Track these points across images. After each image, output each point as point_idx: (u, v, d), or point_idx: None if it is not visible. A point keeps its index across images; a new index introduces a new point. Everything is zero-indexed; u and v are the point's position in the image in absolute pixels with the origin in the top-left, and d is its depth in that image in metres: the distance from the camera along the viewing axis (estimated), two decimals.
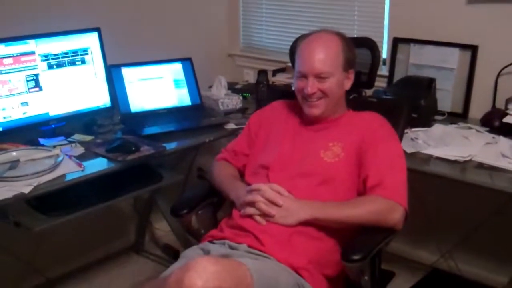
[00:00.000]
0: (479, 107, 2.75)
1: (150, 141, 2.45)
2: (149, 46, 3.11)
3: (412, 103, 2.48)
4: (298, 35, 3.28)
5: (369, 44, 2.21)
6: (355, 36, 3.06)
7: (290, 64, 3.15)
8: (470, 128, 2.60)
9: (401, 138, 2.13)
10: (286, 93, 2.87)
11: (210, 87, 3.13)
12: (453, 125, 2.63)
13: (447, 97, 2.80)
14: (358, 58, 2.14)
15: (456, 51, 2.78)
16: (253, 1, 3.57)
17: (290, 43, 3.37)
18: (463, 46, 2.75)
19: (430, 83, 2.70)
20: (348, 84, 2.06)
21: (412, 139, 2.43)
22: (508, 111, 2.50)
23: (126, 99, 2.75)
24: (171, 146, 2.49)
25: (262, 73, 2.98)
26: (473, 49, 2.73)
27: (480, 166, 2.20)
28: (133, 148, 2.33)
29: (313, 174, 1.97)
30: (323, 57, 1.99)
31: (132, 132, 2.57)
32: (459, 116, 2.78)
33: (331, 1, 3.20)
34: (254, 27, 3.63)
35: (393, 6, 2.97)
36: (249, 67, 3.64)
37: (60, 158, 2.20)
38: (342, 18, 3.17)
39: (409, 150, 2.32)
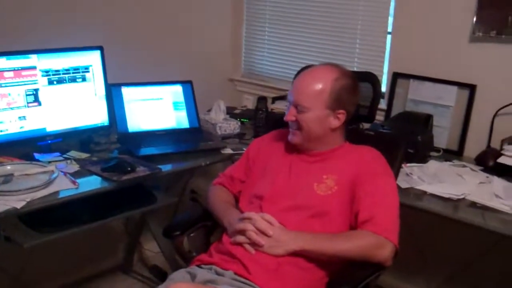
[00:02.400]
0: (474, 146, 2.77)
1: (146, 162, 2.45)
2: (150, 67, 3.14)
3: (409, 138, 2.51)
4: (299, 64, 3.38)
5: (370, 78, 2.23)
6: (355, 69, 3.09)
7: None
8: (464, 166, 2.61)
9: (396, 174, 2.14)
10: (284, 121, 2.91)
11: (209, 110, 3.14)
12: (448, 163, 2.64)
13: (443, 134, 2.82)
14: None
15: (454, 89, 2.80)
16: (257, 28, 3.61)
17: (291, 72, 3.44)
18: (461, 85, 2.78)
19: (427, 119, 2.73)
20: (334, 124, 2.03)
21: (407, 174, 2.43)
22: (503, 152, 2.51)
23: (124, 118, 2.76)
24: (166, 168, 2.49)
25: (261, 99, 3.00)
26: (472, 88, 2.76)
27: (473, 205, 2.21)
28: (129, 169, 2.33)
29: (306, 207, 1.97)
30: (304, 90, 2.00)
31: (128, 152, 2.57)
32: (454, 154, 2.80)
33: (333, 34, 3.23)
34: (256, 54, 3.66)
35: (394, 41, 3.00)
36: (249, 93, 3.66)
37: (54, 175, 2.20)
38: (343, 50, 3.20)
39: (403, 185, 2.32)
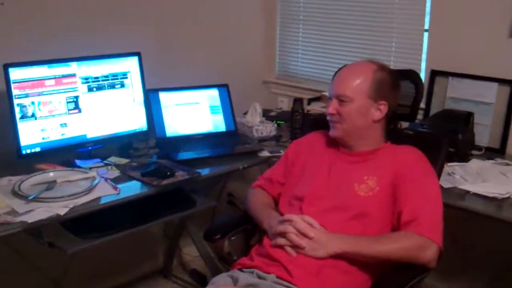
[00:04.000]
0: None
1: (185, 166, 2.47)
2: (186, 72, 3.15)
3: (450, 137, 2.46)
4: (334, 64, 3.37)
5: (412, 76, 2.19)
6: (391, 67, 3.05)
7: (325, 93, 3.19)
8: (508, 164, 2.56)
9: (439, 174, 2.10)
10: (320, 122, 2.88)
11: (245, 113, 3.15)
12: (491, 161, 2.59)
13: (484, 132, 2.77)
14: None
15: (495, 86, 2.74)
16: (290, 30, 3.60)
17: (326, 72, 3.43)
18: (502, 81, 2.72)
19: (468, 117, 2.67)
20: (376, 115, 2.02)
21: (449, 174, 2.39)
22: None
23: (162, 123, 2.78)
24: (205, 171, 2.50)
25: (297, 101, 2.98)
26: None
27: None
28: (168, 173, 2.35)
29: (346, 208, 1.95)
30: (345, 81, 2.01)
31: (167, 157, 2.59)
32: (496, 152, 2.74)
33: (368, 32, 3.20)
34: (290, 55, 3.65)
35: (432, 38, 2.95)
36: (283, 95, 3.65)
37: (96, 181, 2.22)
38: (379, 49, 3.17)
39: (445, 185, 2.28)
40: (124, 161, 2.56)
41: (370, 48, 3.20)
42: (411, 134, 2.38)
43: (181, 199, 2.49)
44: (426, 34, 2.99)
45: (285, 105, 3.61)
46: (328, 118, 2.08)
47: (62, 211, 2.02)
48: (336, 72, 2.13)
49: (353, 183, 2.00)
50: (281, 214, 2.05)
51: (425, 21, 2.98)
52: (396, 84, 2.06)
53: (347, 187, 2.00)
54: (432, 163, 2.04)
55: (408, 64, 3.01)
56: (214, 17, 3.33)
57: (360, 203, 1.95)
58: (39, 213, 2.00)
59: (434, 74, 2.93)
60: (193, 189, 2.58)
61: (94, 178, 2.26)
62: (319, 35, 3.45)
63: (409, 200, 1.90)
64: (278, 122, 3.16)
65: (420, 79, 2.19)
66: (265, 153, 2.74)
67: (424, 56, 3.01)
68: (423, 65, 3.01)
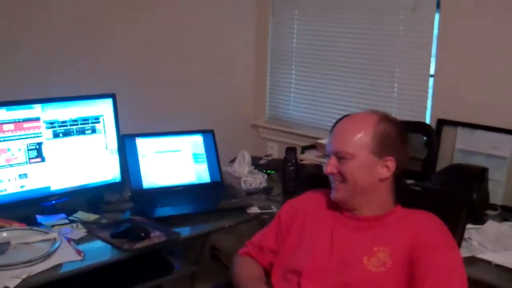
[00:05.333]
0: None
1: (162, 225, 2.15)
2: (166, 116, 2.91)
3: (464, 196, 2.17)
4: (329, 110, 3.10)
5: (423, 129, 1.91)
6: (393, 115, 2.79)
7: (320, 141, 2.91)
8: None
9: (459, 243, 1.80)
10: (318, 179, 2.59)
11: (232, 161, 2.85)
12: (508, 223, 2.31)
13: (499, 189, 2.49)
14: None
15: (509, 138, 2.48)
16: (282, 70, 3.34)
17: (320, 118, 3.15)
18: None
19: (482, 173, 2.39)
20: (383, 173, 1.73)
21: (465, 239, 2.09)
22: None
23: (139, 173, 2.46)
24: (185, 231, 2.19)
25: (290, 150, 2.69)
26: None
27: None
28: (142, 234, 2.03)
29: (355, 286, 1.64)
30: (345, 135, 1.72)
31: (143, 213, 2.27)
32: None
33: (368, 76, 2.95)
34: (281, 98, 3.38)
35: (438, 84, 2.70)
36: (273, 140, 3.38)
37: (57, 244, 1.89)
38: (380, 95, 2.91)
39: (463, 254, 1.97)
40: (92, 217, 2.23)
41: (370, 93, 2.95)
42: (419, 190, 2.07)
43: (157, 263, 2.15)
44: (431, 80, 2.74)
45: (275, 151, 3.33)
46: (330, 177, 1.79)
47: (13, 283, 1.68)
48: (334, 125, 1.84)
49: (361, 256, 1.69)
50: None
51: (430, 66, 2.73)
52: (404, 136, 1.77)
53: (354, 260, 1.69)
54: (451, 229, 1.73)
55: (411, 112, 2.76)
56: (198, 55, 3.08)
57: (372, 281, 1.64)
58: None
59: (441, 123, 2.65)
60: (171, 251, 2.25)
61: (55, 240, 1.93)
62: (314, 77, 3.19)
63: (429, 279, 1.58)
64: (268, 172, 2.86)
65: (434, 132, 1.91)
66: (254, 210, 2.43)
67: (429, 103, 2.75)
68: (428, 114, 2.74)
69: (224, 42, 3.21)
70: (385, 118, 1.75)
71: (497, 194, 2.49)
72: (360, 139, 1.71)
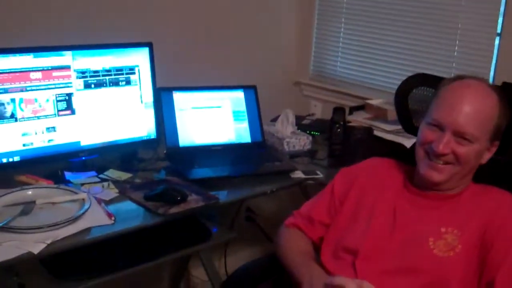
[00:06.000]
0: None
1: (199, 188, 1.97)
2: (205, 69, 2.66)
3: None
4: (380, 68, 2.85)
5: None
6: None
7: (371, 102, 2.69)
8: None
9: None
10: (369, 140, 2.39)
11: (273, 120, 2.65)
12: None
13: None
14: None
15: None
16: (330, 23, 3.06)
17: (370, 76, 2.90)
18: None
19: None
20: (486, 158, 1.55)
21: None
22: None
23: (175, 130, 2.28)
24: (223, 195, 2.00)
25: (338, 110, 2.46)
26: None
27: None
28: (178, 198, 1.85)
29: (419, 271, 1.46)
30: (474, 113, 1.48)
31: (179, 173, 2.09)
32: None
33: (425, 32, 2.67)
34: (328, 53, 3.11)
35: (504, 44, 2.43)
36: (317, 99, 3.14)
37: (86, 205, 1.73)
38: (438, 53, 2.64)
39: None
40: (125, 176, 2.07)
41: (427, 51, 2.67)
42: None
43: (192, 228, 2.00)
44: (497, 39, 2.46)
45: (319, 110, 3.10)
46: (422, 152, 1.56)
47: (37, 248, 1.53)
48: (439, 90, 1.57)
49: (427, 237, 1.50)
50: (324, 268, 1.56)
51: (497, 23, 2.45)
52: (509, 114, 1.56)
53: (419, 242, 1.50)
54: None
55: (473, 74, 2.49)
56: (240, 6, 2.83)
57: (438, 267, 1.45)
58: (6, 249, 1.51)
59: (507, 87, 2.39)
60: (208, 215, 2.09)
61: (84, 200, 1.77)
62: (366, 31, 2.91)
63: (505, 267, 1.40)
64: (312, 133, 2.65)
65: None
66: (298, 174, 2.23)
67: (493, 65, 2.49)
68: (491, 76, 2.48)
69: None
70: (502, 95, 1.53)
71: None
72: (488, 123, 1.50)
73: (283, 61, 3.15)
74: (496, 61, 2.48)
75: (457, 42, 2.59)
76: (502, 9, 2.43)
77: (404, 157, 1.78)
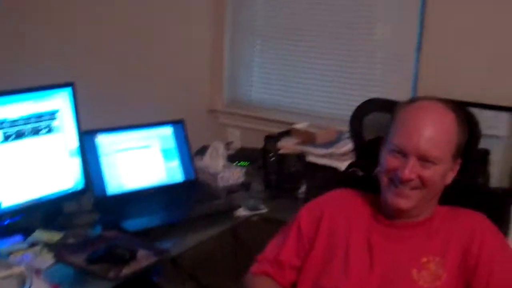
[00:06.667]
0: None
1: (143, 241, 1.78)
2: (124, 107, 2.49)
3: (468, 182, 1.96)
4: (299, 90, 2.81)
5: (465, 117, 1.66)
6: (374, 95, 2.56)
7: (297, 126, 2.63)
8: None
9: None
10: (304, 167, 2.32)
11: (196, 154, 2.50)
12: None
13: (495, 170, 2.32)
14: None
15: (506, 115, 2.33)
16: (243, 46, 2.99)
17: (292, 100, 2.84)
18: None
19: (485, 155, 2.21)
20: (450, 177, 1.52)
21: None
22: None
23: (102, 177, 2.07)
24: (171, 245, 1.83)
25: (270, 139, 2.39)
26: None
27: None
28: (128, 257, 1.66)
29: None
30: (435, 135, 1.44)
31: (114, 226, 1.89)
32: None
33: (345, 51, 2.68)
34: (242, 78, 3.03)
35: (424, 59, 2.49)
36: (234, 126, 3.04)
37: (28, 284, 1.48)
38: (359, 72, 2.66)
39: None
40: (56, 236, 1.82)
41: (348, 71, 2.68)
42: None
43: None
44: (416, 54, 2.53)
45: (237, 138, 3.00)
46: (386, 180, 1.50)
47: None
48: (396, 114, 1.52)
49: (409, 270, 1.44)
50: None
51: (416, 39, 2.51)
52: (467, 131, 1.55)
53: (402, 276, 1.44)
54: None
55: (395, 90, 2.54)
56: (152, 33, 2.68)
57: None
58: None
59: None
60: (154, 270, 1.89)
61: (23, 276, 1.52)
62: (282, 53, 2.89)
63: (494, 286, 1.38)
64: (241, 163, 2.54)
65: (477, 122, 1.67)
66: (242, 212, 2.11)
67: (413, 81, 2.54)
68: (412, 94, 2.53)
69: (178, 20, 2.84)
70: (459, 112, 1.51)
71: (493, 177, 2.32)
72: (449, 143, 1.47)
73: (194, 89, 3.01)
74: (417, 76, 2.53)
75: (378, 58, 2.62)
76: (419, 23, 2.49)
77: (357, 184, 1.72)
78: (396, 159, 1.46)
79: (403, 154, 1.45)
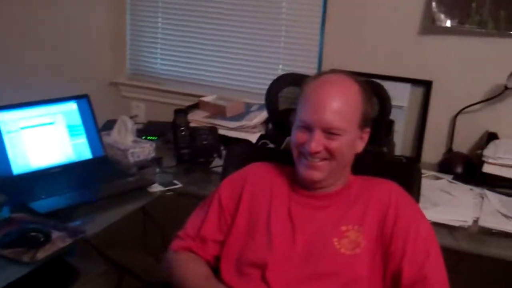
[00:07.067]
0: (432, 150, 2.48)
1: (57, 222, 1.71)
2: (26, 82, 2.34)
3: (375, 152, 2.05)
4: (204, 62, 2.78)
5: (376, 91, 1.71)
6: (280, 71, 2.59)
7: (206, 99, 2.61)
8: (437, 178, 2.27)
9: None
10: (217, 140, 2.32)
11: (102, 129, 2.41)
12: None
13: (398, 139, 2.43)
14: None
15: (407, 87, 2.44)
16: (146, 18, 2.91)
17: (198, 72, 2.80)
18: (415, 82, 2.44)
19: (389, 125, 2.30)
20: (360, 146, 1.57)
21: None
22: (484, 159, 2.18)
23: (6, 156, 1.95)
24: (87, 225, 1.76)
25: (180, 113, 2.35)
26: (427, 85, 2.43)
27: (487, 232, 1.84)
28: (42, 239, 1.59)
29: (334, 274, 1.44)
30: (338, 107, 1.48)
31: (23, 208, 1.79)
32: (411, 161, 2.44)
33: (250, 23, 2.68)
34: (146, 50, 2.95)
35: (328, 33, 2.55)
36: (138, 99, 2.96)
37: None
38: (265, 45, 2.68)
39: None
40: None
41: (254, 43, 2.70)
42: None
43: (58, 270, 1.74)
44: (321, 28, 2.57)
45: (142, 111, 2.93)
46: (297, 154, 1.54)
47: None
48: (303, 89, 1.55)
49: (331, 238, 1.49)
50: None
51: (320, 12, 2.55)
52: (374, 102, 1.60)
53: (324, 245, 1.48)
54: None
55: (301, 63, 2.60)
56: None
57: (349, 266, 1.45)
58: None
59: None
60: (68, 251, 1.83)
61: None
62: (186, 25, 2.83)
63: (408, 254, 1.45)
64: (149, 138, 2.49)
65: (386, 93, 1.73)
66: (156, 188, 2.07)
67: (319, 53, 2.59)
68: (318, 65, 2.59)
69: None
70: (364, 84, 1.56)
71: (397, 146, 2.44)
72: (353, 113, 1.50)
73: (96, 61, 2.90)
74: (322, 49, 2.58)
75: (282, 38, 2.65)
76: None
77: (276, 157, 1.74)
78: (304, 133, 1.50)
79: (309, 128, 1.49)
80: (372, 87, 1.66)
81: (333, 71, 1.58)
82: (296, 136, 1.53)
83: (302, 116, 1.50)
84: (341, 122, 1.47)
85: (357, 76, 1.58)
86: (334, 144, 1.48)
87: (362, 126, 1.54)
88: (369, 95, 1.56)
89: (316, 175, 1.52)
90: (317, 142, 1.47)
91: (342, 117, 1.48)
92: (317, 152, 1.48)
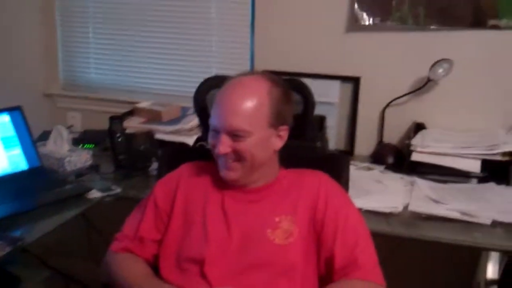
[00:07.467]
0: (364, 143, 2.58)
1: None
2: None
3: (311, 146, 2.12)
4: (139, 69, 2.80)
5: (298, 88, 1.76)
6: (213, 73, 2.64)
7: (140, 105, 2.63)
8: (369, 169, 2.37)
9: None
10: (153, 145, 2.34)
11: (38, 140, 2.41)
12: (351, 166, 2.35)
13: (331, 134, 2.52)
14: None
15: (336, 83, 2.54)
16: (76, 29, 2.90)
17: (132, 79, 2.81)
18: (344, 79, 2.54)
19: (321, 121, 2.38)
20: (278, 144, 1.59)
21: None
22: (412, 148, 2.28)
23: None
24: (26, 234, 1.76)
25: (115, 120, 2.36)
26: (355, 81, 2.53)
27: (418, 217, 1.93)
28: None
29: (268, 264, 1.49)
30: (239, 110, 1.50)
31: None
32: (345, 154, 2.52)
33: (181, 28, 2.72)
34: (78, 60, 2.95)
35: (258, 33, 2.61)
36: (74, 109, 2.95)
37: None
38: (196, 49, 2.72)
39: None
40: None
41: (185, 47, 2.74)
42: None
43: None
44: (251, 30, 2.63)
45: (78, 121, 2.92)
46: (215, 156, 1.58)
47: None
48: (206, 88, 1.62)
49: (264, 230, 1.53)
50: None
51: (249, 15, 2.62)
52: (292, 99, 1.64)
53: (258, 237, 1.53)
54: None
55: (234, 66, 2.64)
56: None
57: (283, 255, 1.50)
58: None
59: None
60: (7, 260, 1.81)
61: None
62: (118, 34, 2.84)
63: (339, 240, 1.52)
64: (86, 146, 2.49)
65: (308, 89, 1.78)
66: (95, 194, 2.08)
67: (250, 55, 2.65)
68: (250, 66, 2.65)
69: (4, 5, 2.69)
70: (275, 82, 1.56)
71: (330, 140, 2.52)
72: (257, 113, 1.50)
73: (30, 75, 2.87)
74: (253, 51, 2.64)
75: (214, 37, 2.69)
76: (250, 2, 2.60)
77: (209, 157, 1.77)
78: (213, 137, 1.54)
79: (217, 131, 1.52)
80: (293, 85, 1.71)
81: (251, 72, 1.62)
82: (209, 139, 1.57)
83: (211, 120, 1.54)
84: (244, 124, 1.49)
85: (278, 76, 1.61)
86: (241, 145, 1.50)
87: (275, 124, 1.54)
88: (283, 94, 1.56)
89: (231, 175, 1.56)
90: (224, 145, 1.50)
91: (245, 119, 1.49)
92: (225, 154, 1.52)
